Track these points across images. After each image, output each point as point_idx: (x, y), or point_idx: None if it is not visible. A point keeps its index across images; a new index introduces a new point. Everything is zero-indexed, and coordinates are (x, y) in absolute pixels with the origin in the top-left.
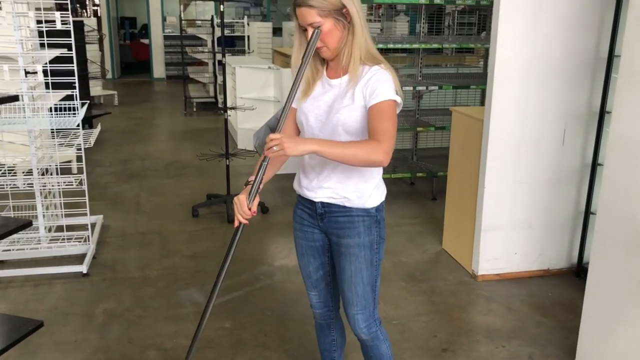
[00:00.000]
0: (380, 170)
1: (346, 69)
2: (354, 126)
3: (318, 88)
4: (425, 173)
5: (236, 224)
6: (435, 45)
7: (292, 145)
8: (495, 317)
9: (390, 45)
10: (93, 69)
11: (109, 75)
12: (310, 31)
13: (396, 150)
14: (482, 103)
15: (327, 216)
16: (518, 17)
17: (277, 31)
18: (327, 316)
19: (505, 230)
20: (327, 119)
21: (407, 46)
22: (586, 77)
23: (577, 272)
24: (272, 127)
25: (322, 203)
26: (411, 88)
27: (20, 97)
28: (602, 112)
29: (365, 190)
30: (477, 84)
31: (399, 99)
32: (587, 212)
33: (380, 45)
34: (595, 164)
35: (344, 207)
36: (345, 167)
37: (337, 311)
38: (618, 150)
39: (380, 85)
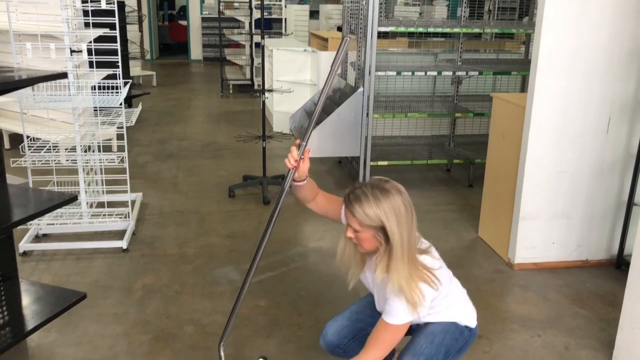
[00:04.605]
0: (447, 305)
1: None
2: None
3: (369, 267)
4: (462, 160)
5: (287, 165)
6: (476, 30)
7: None
8: (531, 306)
9: (431, 29)
10: (133, 49)
11: (148, 56)
12: (351, 233)
13: (433, 136)
14: (523, 90)
15: None
16: (565, 3)
17: (314, 14)
18: (331, 349)
19: (544, 219)
20: (379, 292)
21: (447, 30)
22: (633, 65)
23: (617, 264)
24: (309, 110)
25: None
26: (450, 73)
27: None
28: None
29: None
30: (518, 70)
31: (414, 318)
32: (630, 204)
33: (421, 29)
34: None
35: None
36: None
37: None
38: None
39: (394, 311)
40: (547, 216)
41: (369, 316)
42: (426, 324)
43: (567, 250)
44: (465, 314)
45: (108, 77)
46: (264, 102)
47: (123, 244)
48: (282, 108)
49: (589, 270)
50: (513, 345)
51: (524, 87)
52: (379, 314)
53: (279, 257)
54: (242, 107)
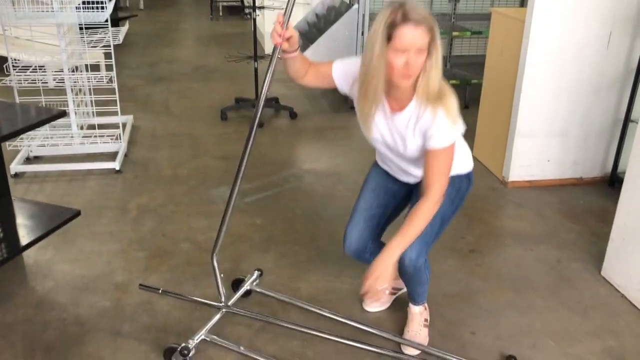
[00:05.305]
0: (462, 143)
1: (410, 98)
2: (419, 156)
3: (379, 117)
4: (459, 80)
5: (273, 41)
6: None
7: (385, 273)
8: (524, 222)
9: None
10: None
11: None
12: (409, 56)
13: None
14: (522, 5)
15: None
16: None
17: None
18: (362, 257)
19: (540, 137)
20: (394, 147)
21: None
22: None
23: (611, 181)
24: (301, 30)
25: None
26: None
27: None
28: None
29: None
30: None
31: (459, 135)
32: (627, 120)
33: None
34: None
35: None
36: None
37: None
38: None
39: (442, 132)
40: (544, 134)
41: (378, 207)
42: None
43: (562, 168)
44: (465, 158)
45: None
46: (254, 20)
47: (116, 165)
48: None
49: (582, 188)
50: (506, 259)
51: (523, 2)
52: (386, 202)
53: (274, 178)
54: (233, 29)
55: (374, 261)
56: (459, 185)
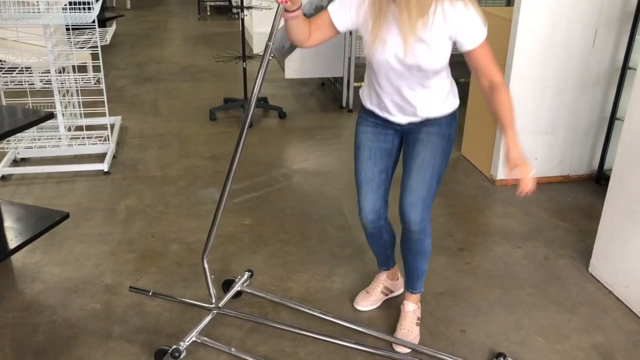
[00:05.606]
0: (450, 78)
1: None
2: (432, 68)
3: (393, 33)
4: None
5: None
6: None
7: (524, 158)
8: (512, 220)
9: None
10: None
11: None
12: None
13: None
14: (509, 3)
15: (407, 125)
16: None
17: None
18: (378, 224)
19: (527, 135)
20: (413, 63)
21: None
22: None
23: (597, 179)
24: (307, 13)
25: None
26: None
27: None
28: (638, 12)
29: (442, 103)
30: None
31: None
32: (612, 118)
33: None
34: (625, 68)
35: (426, 119)
36: (428, 96)
37: (387, 217)
38: None
39: (475, 26)
40: (531, 132)
41: (379, 174)
42: (415, 153)
43: (549, 166)
44: (455, 89)
45: None
46: (242, 20)
47: (104, 166)
48: (263, 29)
49: (569, 185)
50: (494, 256)
51: (509, 1)
52: (385, 165)
53: (262, 178)
54: (221, 29)
55: (510, 161)
56: (454, 125)
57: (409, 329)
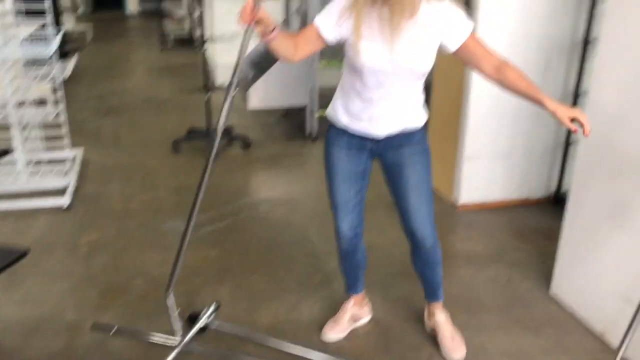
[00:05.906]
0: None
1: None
2: (421, 69)
3: (379, 40)
4: None
5: (241, 22)
6: None
7: (579, 111)
8: (475, 244)
9: None
10: (63, 1)
11: (80, 10)
12: None
13: None
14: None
15: (384, 140)
16: None
17: None
18: (354, 242)
19: (486, 159)
20: (401, 64)
21: None
22: (571, 4)
23: (555, 200)
24: (254, 59)
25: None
26: None
27: None
28: (587, 40)
29: (419, 113)
30: None
31: None
32: (567, 142)
33: None
34: (577, 93)
35: (404, 130)
36: (411, 101)
37: (363, 236)
38: (604, 76)
39: (462, 18)
40: (490, 156)
41: (355, 196)
42: (405, 177)
43: (508, 190)
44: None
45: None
46: (204, 52)
47: (65, 201)
48: (226, 60)
49: (529, 208)
50: (458, 281)
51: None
52: (359, 187)
53: (228, 208)
54: (184, 59)
55: (565, 115)
56: (427, 137)
57: (452, 334)
